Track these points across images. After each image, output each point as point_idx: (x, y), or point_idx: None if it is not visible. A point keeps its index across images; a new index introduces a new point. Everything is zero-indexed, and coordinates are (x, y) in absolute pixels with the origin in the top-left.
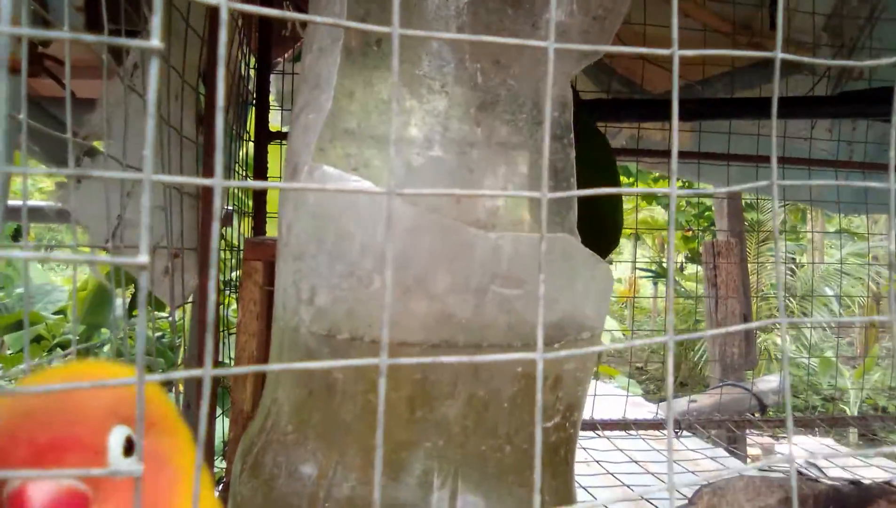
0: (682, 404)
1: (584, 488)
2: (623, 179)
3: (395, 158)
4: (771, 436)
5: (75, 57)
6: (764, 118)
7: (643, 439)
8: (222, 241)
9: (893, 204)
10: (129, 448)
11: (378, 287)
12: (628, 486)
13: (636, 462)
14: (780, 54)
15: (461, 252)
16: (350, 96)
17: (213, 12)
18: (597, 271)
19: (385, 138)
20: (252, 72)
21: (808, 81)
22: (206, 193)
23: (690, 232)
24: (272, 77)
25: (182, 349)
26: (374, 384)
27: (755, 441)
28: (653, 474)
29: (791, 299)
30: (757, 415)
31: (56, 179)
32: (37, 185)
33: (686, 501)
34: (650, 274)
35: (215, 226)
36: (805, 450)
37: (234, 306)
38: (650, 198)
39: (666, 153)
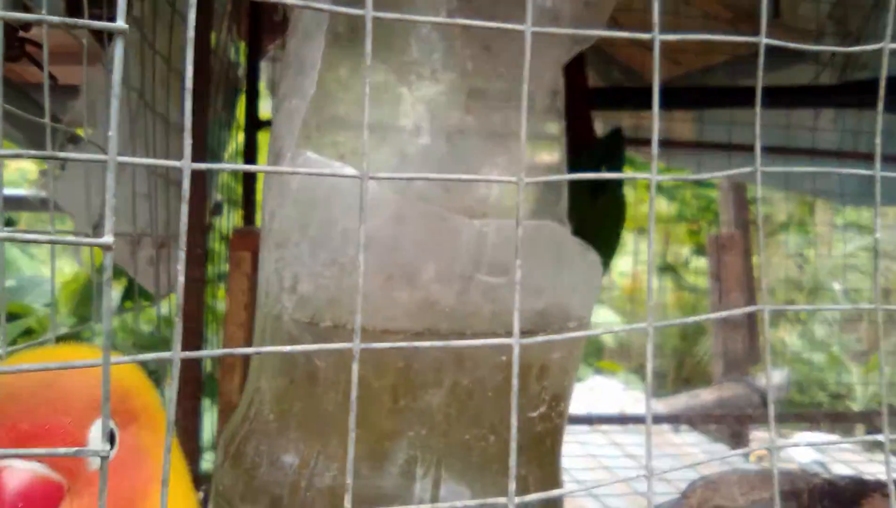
0: (683, 399)
1: (577, 481)
2: (627, 168)
3: (388, 146)
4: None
5: (58, 42)
6: (765, 107)
7: (641, 434)
8: (216, 232)
9: (878, 193)
10: (111, 441)
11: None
12: (625, 480)
13: (631, 456)
14: (764, 39)
15: (445, 240)
16: (338, 83)
17: None
18: (585, 259)
19: (375, 126)
20: (242, 58)
21: (812, 70)
22: (191, 182)
23: (697, 226)
24: (263, 64)
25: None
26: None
27: (759, 437)
28: (645, 467)
29: (798, 292)
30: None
31: (40, 167)
32: (25, 176)
33: (679, 495)
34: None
35: (184, 208)
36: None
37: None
38: (655, 190)
39: (667, 143)
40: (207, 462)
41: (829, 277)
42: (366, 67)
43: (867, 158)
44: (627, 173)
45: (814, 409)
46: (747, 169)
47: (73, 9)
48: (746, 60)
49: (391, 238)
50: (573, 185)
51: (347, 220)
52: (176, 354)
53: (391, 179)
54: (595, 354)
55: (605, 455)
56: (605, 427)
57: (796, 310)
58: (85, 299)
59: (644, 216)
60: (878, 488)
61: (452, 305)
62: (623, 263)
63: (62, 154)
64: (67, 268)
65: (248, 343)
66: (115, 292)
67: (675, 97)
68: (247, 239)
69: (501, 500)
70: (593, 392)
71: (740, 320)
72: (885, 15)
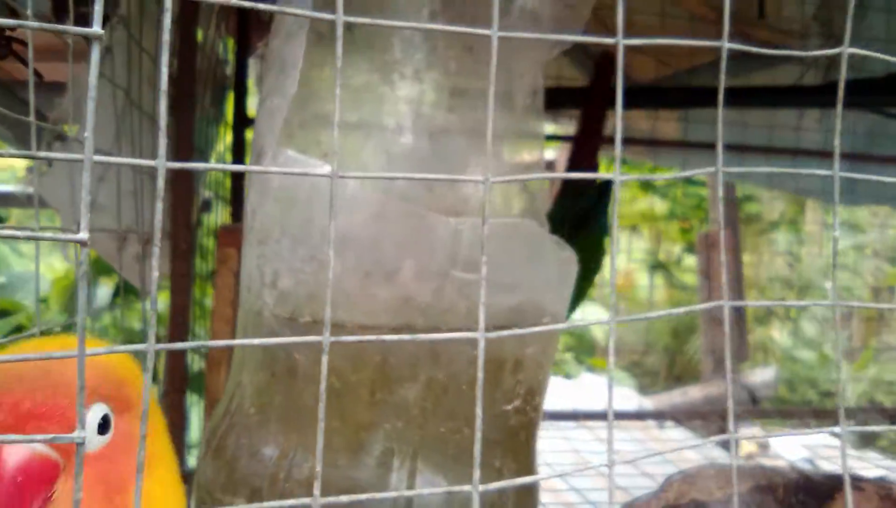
0: (672, 397)
1: (560, 476)
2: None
3: (372, 145)
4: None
5: (45, 41)
6: (748, 107)
7: (626, 430)
8: (205, 229)
9: (837, 191)
10: (104, 426)
11: (339, 271)
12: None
13: (615, 451)
14: (726, 44)
15: (423, 237)
16: (321, 81)
17: None
18: (560, 257)
19: (359, 125)
20: (231, 55)
21: (797, 70)
22: (176, 179)
23: (688, 224)
24: (252, 61)
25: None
26: (335, 368)
27: (750, 436)
28: (630, 462)
29: (789, 291)
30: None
31: (27, 165)
32: (17, 175)
33: (657, 488)
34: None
35: (158, 206)
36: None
37: None
38: (647, 188)
39: (653, 142)
40: (195, 459)
41: (819, 275)
42: (336, 69)
43: (851, 159)
44: (593, 174)
45: (803, 406)
46: (709, 169)
47: (60, 7)
48: (732, 61)
49: (370, 236)
50: (555, 222)
51: (326, 218)
52: (150, 346)
53: (373, 180)
54: (587, 352)
55: (590, 451)
56: (591, 423)
57: (755, 306)
58: (76, 295)
59: (635, 214)
60: (852, 482)
61: (428, 301)
62: (616, 260)
63: (42, 154)
64: (58, 265)
65: (234, 338)
66: (106, 289)
67: (662, 97)
68: (233, 236)
69: (467, 487)
70: (584, 390)
71: (729, 319)
72: (871, 17)
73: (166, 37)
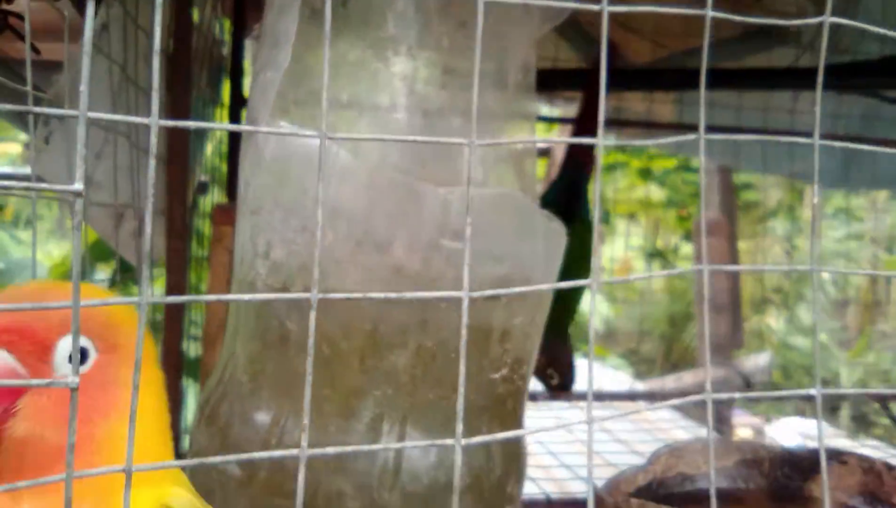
0: (667, 382)
1: (552, 453)
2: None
3: (366, 121)
4: (763, 416)
5: (41, 19)
6: (744, 89)
7: (616, 409)
8: (202, 212)
9: (817, 160)
10: (82, 358)
11: (331, 241)
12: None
13: (606, 430)
14: (710, 12)
15: (412, 208)
16: (316, 58)
17: None
18: (548, 229)
19: (353, 101)
20: (227, 36)
21: (792, 53)
22: (171, 158)
23: (686, 212)
24: (248, 42)
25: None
26: (326, 335)
27: (746, 423)
28: (621, 441)
29: (786, 279)
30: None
31: (24, 143)
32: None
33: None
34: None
35: (151, 163)
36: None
37: None
38: (646, 176)
39: (649, 124)
40: None
41: (817, 263)
42: (325, 47)
43: (846, 141)
44: (573, 139)
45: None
46: (691, 136)
47: None
48: (728, 43)
49: (361, 207)
50: (548, 207)
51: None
52: (143, 299)
53: (367, 153)
54: (585, 339)
55: (581, 429)
56: (582, 404)
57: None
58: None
59: (634, 201)
60: (835, 456)
61: (418, 270)
62: (615, 248)
63: (37, 109)
64: (56, 252)
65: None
66: (102, 275)
67: (657, 78)
68: (228, 214)
69: (449, 441)
70: (581, 375)
71: (724, 305)
72: None
73: (158, 18)
